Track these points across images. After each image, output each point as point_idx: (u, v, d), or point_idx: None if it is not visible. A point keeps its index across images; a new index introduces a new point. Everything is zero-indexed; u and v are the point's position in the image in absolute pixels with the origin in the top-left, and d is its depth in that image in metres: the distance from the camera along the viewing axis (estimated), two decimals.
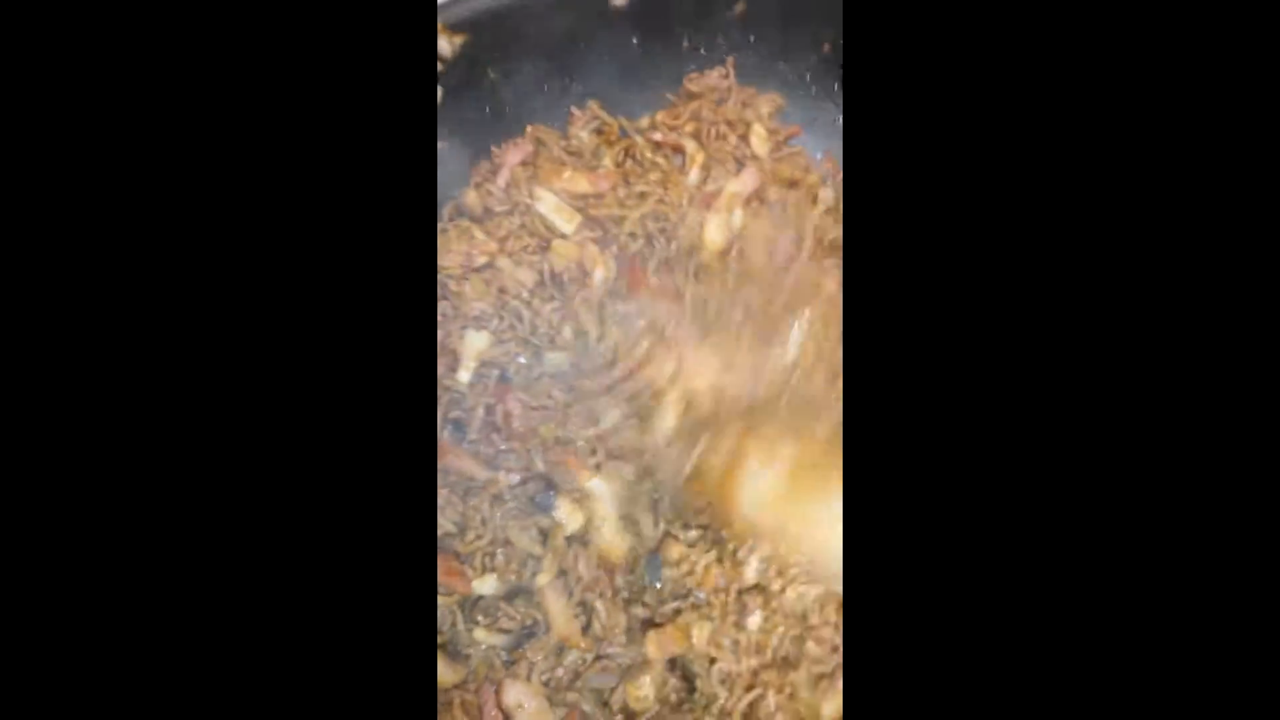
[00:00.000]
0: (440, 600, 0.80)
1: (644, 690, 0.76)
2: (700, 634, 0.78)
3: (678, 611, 0.80)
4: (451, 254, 0.94)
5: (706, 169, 1.05)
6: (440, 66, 0.94)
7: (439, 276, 0.94)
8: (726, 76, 1.09)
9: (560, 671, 0.79)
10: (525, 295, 0.93)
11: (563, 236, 1.00)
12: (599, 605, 0.80)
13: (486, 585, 0.82)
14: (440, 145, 1.01)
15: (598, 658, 0.79)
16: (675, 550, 0.83)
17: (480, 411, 0.87)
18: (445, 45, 0.93)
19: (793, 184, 1.03)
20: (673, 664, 0.79)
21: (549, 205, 1.00)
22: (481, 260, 0.95)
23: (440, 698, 0.78)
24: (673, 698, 0.77)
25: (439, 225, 1.02)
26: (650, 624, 0.80)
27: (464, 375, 0.90)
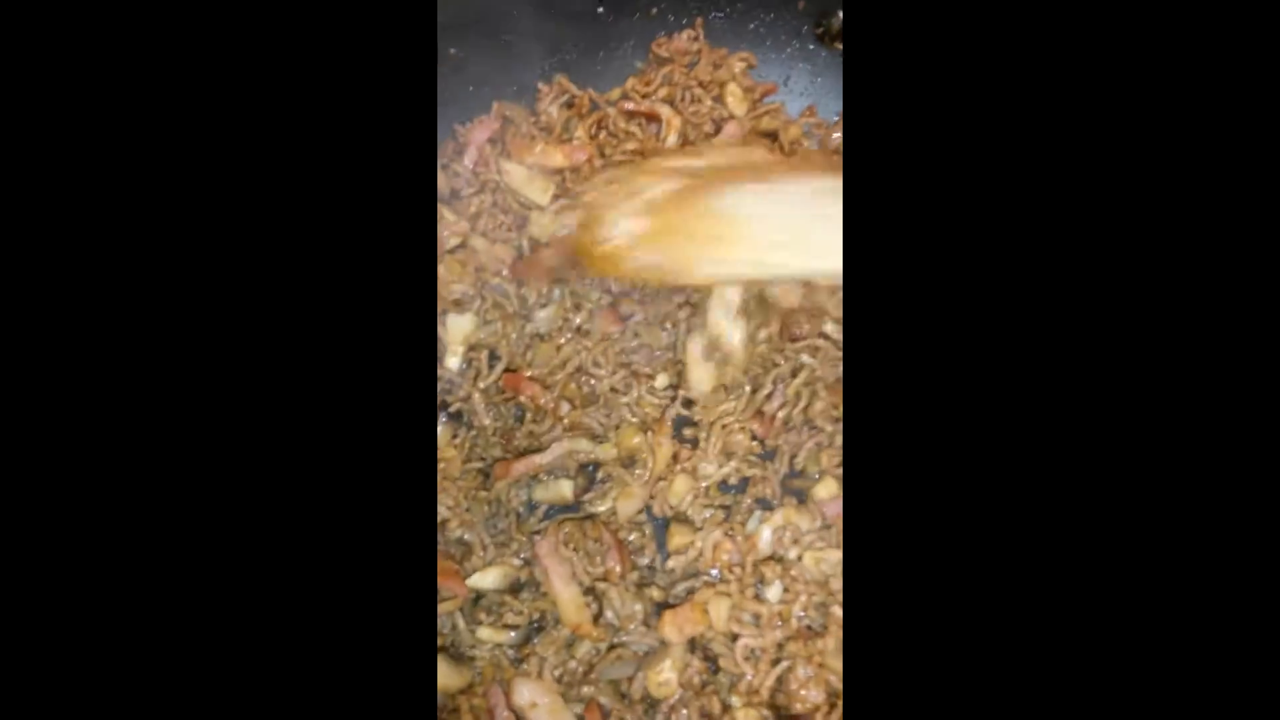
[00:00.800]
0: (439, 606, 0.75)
1: (665, 675, 0.72)
2: (718, 611, 0.74)
3: (692, 591, 0.76)
4: None
5: (684, 134, 1.01)
6: None
7: None
8: (696, 39, 1.05)
9: (573, 664, 0.74)
10: (505, 272, 0.89)
11: (539, 209, 0.95)
12: (611, 592, 0.75)
13: (488, 579, 0.77)
14: None
15: (611, 646, 0.75)
16: (680, 537, 0.79)
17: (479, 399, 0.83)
18: None
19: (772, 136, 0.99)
20: (692, 645, 0.74)
21: (519, 178, 0.96)
22: (454, 242, 0.90)
23: (447, 704, 0.73)
24: (696, 680, 0.73)
25: None
26: (665, 606, 0.75)
27: (453, 362, 0.85)
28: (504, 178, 0.95)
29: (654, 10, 1.04)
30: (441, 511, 0.78)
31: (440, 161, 0.98)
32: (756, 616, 0.75)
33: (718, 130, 1.01)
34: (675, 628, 0.73)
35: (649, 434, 0.82)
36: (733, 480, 0.83)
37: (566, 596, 0.75)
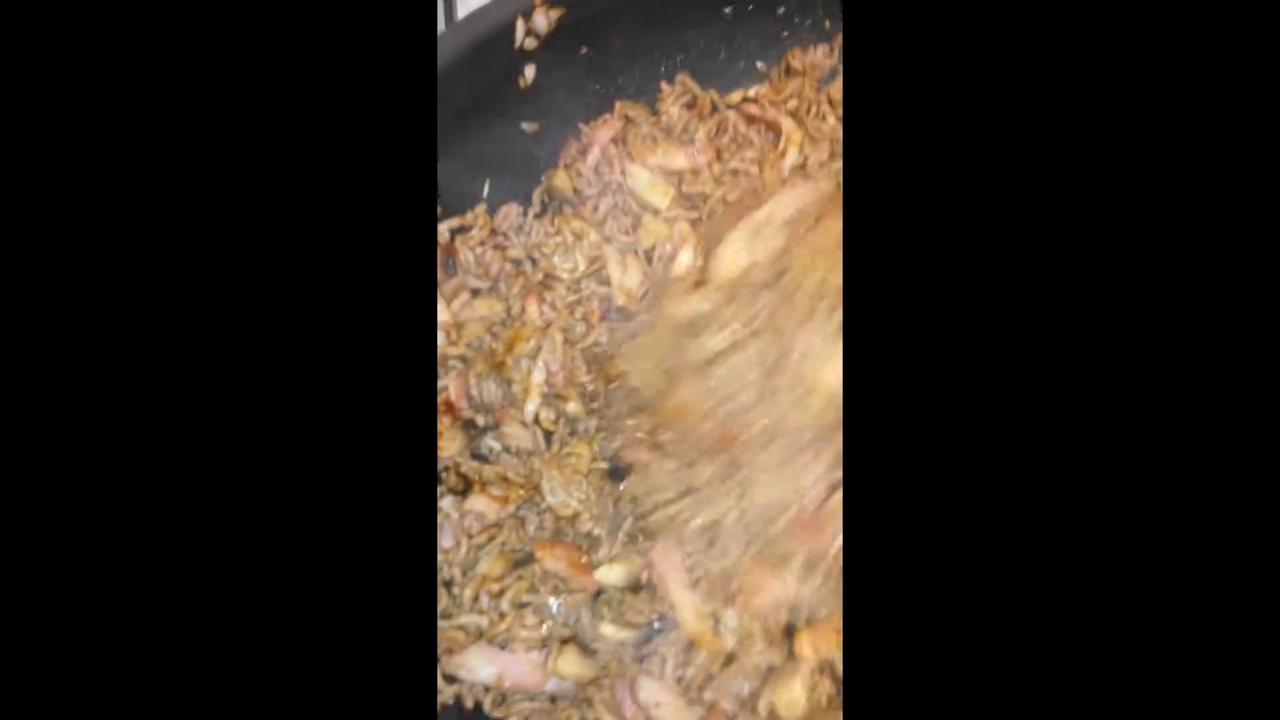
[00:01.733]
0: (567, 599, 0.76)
1: (795, 694, 0.70)
2: None
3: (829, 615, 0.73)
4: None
5: (804, 150, 0.99)
6: (535, 43, 0.91)
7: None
8: (831, 55, 1.03)
9: (692, 670, 0.72)
10: None
11: (655, 212, 0.95)
12: (727, 614, 0.74)
13: (614, 575, 0.76)
14: (531, 126, 0.97)
15: (730, 659, 0.73)
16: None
17: None
18: (542, 20, 0.90)
19: None
20: (821, 666, 0.72)
21: (642, 181, 0.96)
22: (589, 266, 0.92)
23: (578, 694, 0.72)
24: (823, 701, 0.71)
25: (531, 211, 0.98)
26: (795, 627, 0.73)
27: None
28: (628, 180, 0.96)
29: (780, 10, 1.02)
30: (573, 505, 0.78)
31: (563, 162, 0.99)
32: None
33: (833, 152, 0.99)
34: (811, 646, 0.71)
35: None
36: None
37: (686, 602, 0.74)
